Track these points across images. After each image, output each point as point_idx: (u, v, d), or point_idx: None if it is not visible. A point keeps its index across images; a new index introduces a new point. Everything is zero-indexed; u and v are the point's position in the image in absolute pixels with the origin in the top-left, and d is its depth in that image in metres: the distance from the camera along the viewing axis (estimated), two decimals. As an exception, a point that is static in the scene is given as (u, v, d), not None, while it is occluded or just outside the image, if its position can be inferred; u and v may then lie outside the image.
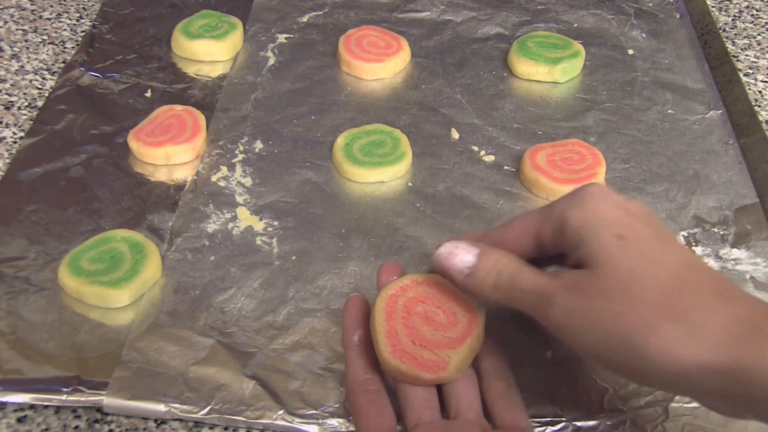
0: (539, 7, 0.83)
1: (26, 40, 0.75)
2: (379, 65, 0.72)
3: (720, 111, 0.71)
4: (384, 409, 0.43)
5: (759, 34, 0.79)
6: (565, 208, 0.41)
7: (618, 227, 0.39)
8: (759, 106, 0.69)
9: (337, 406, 0.47)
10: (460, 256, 0.43)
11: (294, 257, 0.56)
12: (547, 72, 0.73)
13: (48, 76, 0.71)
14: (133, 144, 0.62)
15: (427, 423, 0.42)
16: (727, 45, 0.76)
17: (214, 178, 0.62)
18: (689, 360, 0.35)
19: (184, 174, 0.62)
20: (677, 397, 0.48)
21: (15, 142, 0.64)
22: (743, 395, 0.34)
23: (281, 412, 0.46)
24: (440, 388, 0.44)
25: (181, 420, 0.46)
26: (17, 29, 0.76)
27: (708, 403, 0.38)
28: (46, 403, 0.46)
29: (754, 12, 0.82)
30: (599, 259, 0.38)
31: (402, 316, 0.44)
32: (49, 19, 0.78)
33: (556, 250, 0.42)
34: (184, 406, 0.46)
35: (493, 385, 0.45)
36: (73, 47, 0.74)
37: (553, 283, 0.40)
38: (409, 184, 0.63)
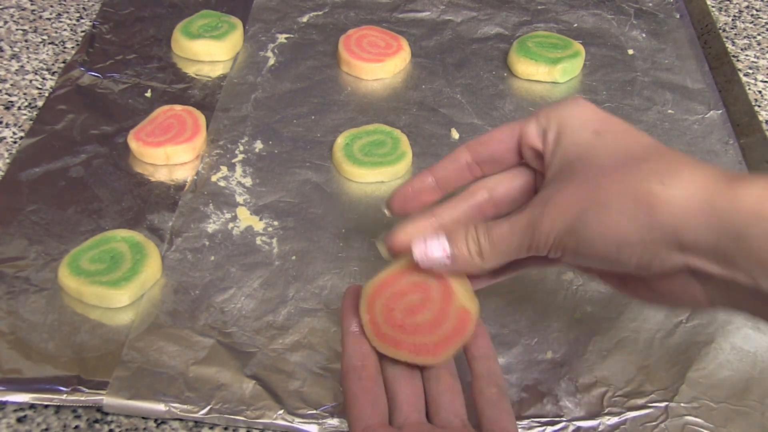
0: (539, 7, 0.83)
1: (26, 40, 0.75)
2: (379, 65, 0.72)
3: (720, 111, 0.71)
4: (377, 399, 0.42)
5: (759, 34, 0.79)
6: (546, 112, 0.42)
7: (595, 124, 0.40)
8: (759, 106, 0.69)
9: (336, 405, 0.47)
10: (433, 250, 0.42)
11: (294, 257, 0.56)
12: (547, 72, 0.73)
13: (48, 76, 0.71)
14: (133, 144, 0.62)
15: (414, 425, 0.42)
16: (727, 45, 0.76)
17: (214, 178, 0.62)
18: (677, 209, 0.34)
19: (184, 174, 0.62)
20: (677, 397, 0.48)
21: (15, 142, 0.64)
22: (731, 246, 0.34)
23: (281, 411, 0.46)
24: (427, 392, 0.44)
25: (181, 420, 0.46)
26: (17, 29, 0.76)
27: (709, 282, 0.36)
28: (46, 403, 0.46)
29: (754, 12, 0.82)
30: (575, 156, 0.39)
31: (386, 303, 0.44)
32: (49, 19, 0.78)
33: (536, 160, 0.43)
34: (184, 406, 0.46)
35: (485, 390, 0.44)
36: (73, 47, 0.74)
37: (528, 210, 0.39)
38: (409, 184, 0.63)
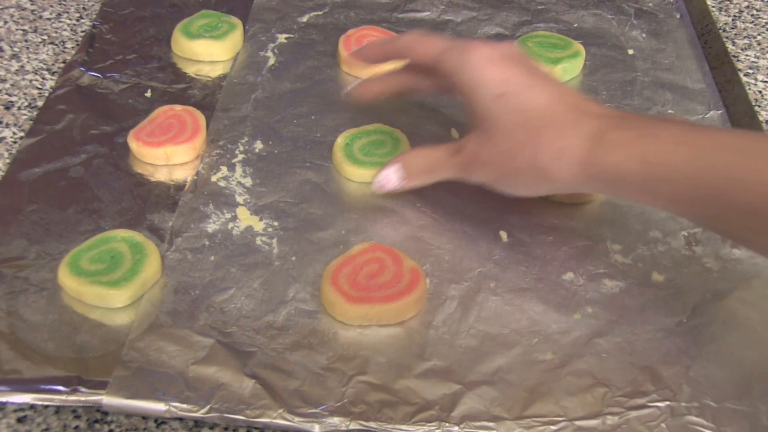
0: (539, 7, 0.83)
1: (26, 40, 0.75)
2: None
3: (720, 111, 0.71)
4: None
5: (759, 34, 0.79)
6: (454, 70, 0.53)
7: (497, 86, 0.50)
8: (759, 106, 0.69)
9: (337, 405, 0.47)
10: (391, 177, 0.57)
11: (294, 258, 0.56)
12: (548, 72, 0.72)
13: (48, 76, 0.71)
14: (133, 144, 0.62)
15: None
16: (727, 45, 0.76)
17: (214, 178, 0.62)
18: (567, 177, 0.49)
19: (184, 174, 0.62)
20: (678, 396, 0.48)
21: (15, 142, 0.64)
22: (614, 192, 0.51)
23: (281, 411, 0.46)
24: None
25: (181, 419, 0.46)
26: (17, 29, 0.76)
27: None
28: (46, 403, 0.46)
29: (754, 12, 0.82)
30: (484, 117, 0.51)
31: (349, 276, 0.53)
32: (49, 19, 0.78)
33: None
34: (184, 405, 0.46)
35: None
36: (73, 47, 0.74)
37: (456, 159, 0.54)
38: (409, 184, 0.63)
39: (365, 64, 0.66)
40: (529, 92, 0.50)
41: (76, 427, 0.46)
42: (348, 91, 0.66)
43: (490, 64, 0.51)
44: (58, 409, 0.47)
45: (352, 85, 0.65)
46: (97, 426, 0.46)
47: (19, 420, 0.46)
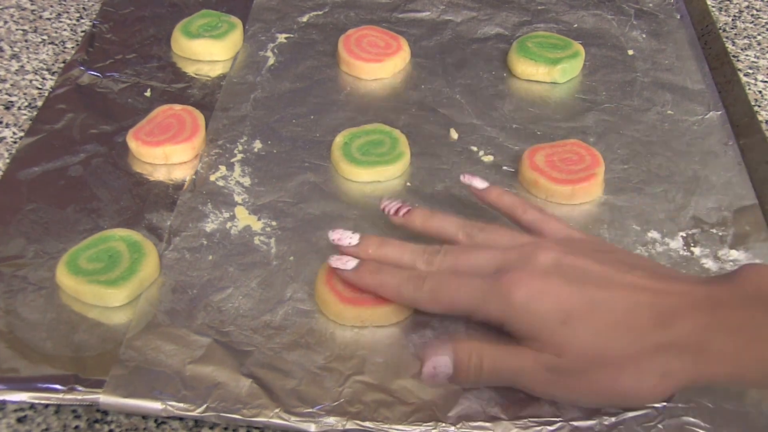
0: (539, 8, 0.83)
1: (26, 40, 0.75)
2: (378, 65, 0.72)
3: (720, 112, 0.71)
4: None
5: (759, 34, 0.79)
6: (500, 316, 0.45)
7: (558, 314, 0.43)
8: (759, 107, 0.69)
9: (333, 405, 0.47)
10: (438, 365, 0.45)
11: (292, 258, 0.56)
12: (547, 72, 0.73)
13: (48, 76, 0.71)
14: (132, 143, 0.62)
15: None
16: (727, 45, 0.76)
17: (212, 178, 0.62)
18: (660, 395, 0.44)
19: (182, 173, 0.62)
20: (675, 397, 0.48)
21: (15, 142, 0.64)
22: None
23: (278, 410, 0.46)
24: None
25: (180, 419, 0.46)
26: (17, 29, 0.76)
27: None
28: (44, 402, 0.46)
29: (754, 12, 0.82)
30: (555, 344, 0.43)
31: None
32: (49, 19, 0.78)
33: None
34: (181, 404, 0.46)
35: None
36: (73, 47, 0.74)
37: (533, 367, 0.44)
38: (408, 184, 0.63)
39: None
40: (595, 315, 0.43)
41: (76, 427, 0.46)
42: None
43: (540, 295, 0.44)
44: (58, 409, 0.47)
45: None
46: (97, 426, 0.46)
47: (19, 420, 0.46)
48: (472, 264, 0.47)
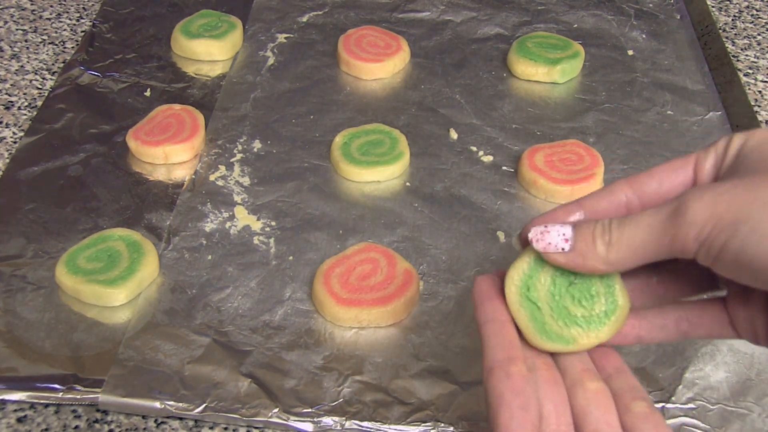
0: (539, 8, 0.83)
1: (26, 40, 0.75)
2: (378, 65, 0.72)
3: (719, 112, 0.71)
4: (529, 402, 0.34)
5: (759, 34, 0.79)
6: (727, 137, 0.34)
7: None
8: (759, 106, 0.69)
9: (332, 405, 0.47)
10: (551, 233, 0.36)
11: (291, 257, 0.56)
12: (547, 72, 0.73)
13: (48, 76, 0.71)
14: (132, 143, 0.62)
15: None
16: (727, 45, 0.76)
17: (212, 178, 0.62)
18: None
19: (182, 173, 0.62)
20: (674, 398, 0.48)
21: (15, 142, 0.64)
22: None
23: (276, 410, 0.46)
24: (574, 405, 0.36)
25: (179, 418, 0.46)
26: (17, 29, 0.76)
27: None
28: (44, 402, 0.46)
29: (754, 12, 0.82)
30: (758, 163, 0.32)
31: (341, 276, 0.52)
32: (49, 19, 0.78)
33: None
34: (180, 404, 0.46)
35: (632, 406, 0.36)
36: (73, 47, 0.74)
37: (675, 199, 0.32)
38: (408, 184, 0.63)
39: None
40: None
41: (76, 427, 0.46)
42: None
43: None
44: (57, 409, 0.47)
45: None
46: (97, 426, 0.46)
47: (19, 420, 0.46)
48: None
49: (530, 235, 0.36)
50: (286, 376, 0.48)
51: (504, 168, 0.64)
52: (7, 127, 0.65)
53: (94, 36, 0.75)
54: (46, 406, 0.47)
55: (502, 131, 0.68)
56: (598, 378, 0.37)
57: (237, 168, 0.63)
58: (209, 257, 0.56)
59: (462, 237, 0.58)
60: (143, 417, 0.47)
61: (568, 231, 0.35)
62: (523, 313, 0.37)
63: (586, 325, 0.37)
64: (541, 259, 0.37)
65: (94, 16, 0.77)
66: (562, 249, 0.35)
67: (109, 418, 0.46)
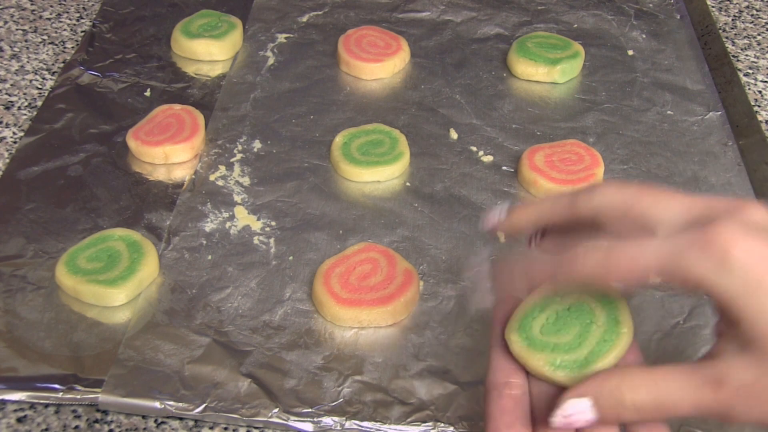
0: (539, 8, 0.83)
1: (26, 40, 0.75)
2: (378, 65, 0.72)
3: (719, 113, 0.71)
4: (514, 422, 0.37)
5: (759, 34, 0.79)
6: (706, 277, 0.33)
7: None
8: (759, 107, 0.69)
9: (332, 405, 0.47)
10: (573, 411, 0.36)
11: (291, 257, 0.56)
12: (547, 72, 0.73)
13: (48, 76, 0.71)
14: (132, 143, 0.62)
15: None
16: (726, 45, 0.76)
17: (212, 178, 0.62)
18: None
19: (182, 173, 0.62)
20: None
21: (15, 142, 0.64)
22: None
23: (276, 410, 0.46)
24: None
25: (179, 418, 0.46)
26: (17, 29, 0.76)
27: None
28: (43, 402, 0.46)
29: (754, 12, 0.82)
30: (762, 334, 0.33)
31: (341, 276, 0.52)
32: (49, 19, 0.78)
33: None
34: (180, 404, 0.46)
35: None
36: (73, 47, 0.74)
37: (719, 397, 0.34)
38: (408, 184, 0.63)
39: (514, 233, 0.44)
40: None
41: (76, 427, 0.46)
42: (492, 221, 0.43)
43: (753, 251, 0.33)
44: (57, 409, 0.47)
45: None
46: (97, 426, 0.46)
47: (19, 420, 0.46)
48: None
49: (555, 423, 0.36)
50: (286, 376, 0.48)
51: (504, 168, 0.64)
52: (7, 127, 0.65)
53: (94, 36, 0.75)
54: (46, 406, 0.47)
55: (502, 131, 0.68)
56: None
57: (237, 168, 0.63)
58: (209, 257, 0.56)
59: (462, 237, 0.58)
60: (143, 417, 0.47)
61: (588, 408, 0.36)
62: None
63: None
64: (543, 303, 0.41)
65: (94, 16, 0.78)
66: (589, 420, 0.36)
67: (109, 418, 0.46)
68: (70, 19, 0.78)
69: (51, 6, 0.79)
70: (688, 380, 0.35)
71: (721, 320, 0.36)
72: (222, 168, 0.63)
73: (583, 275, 0.37)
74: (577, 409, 0.36)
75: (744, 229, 0.34)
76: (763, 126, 0.67)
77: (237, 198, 0.61)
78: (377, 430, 0.46)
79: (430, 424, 0.46)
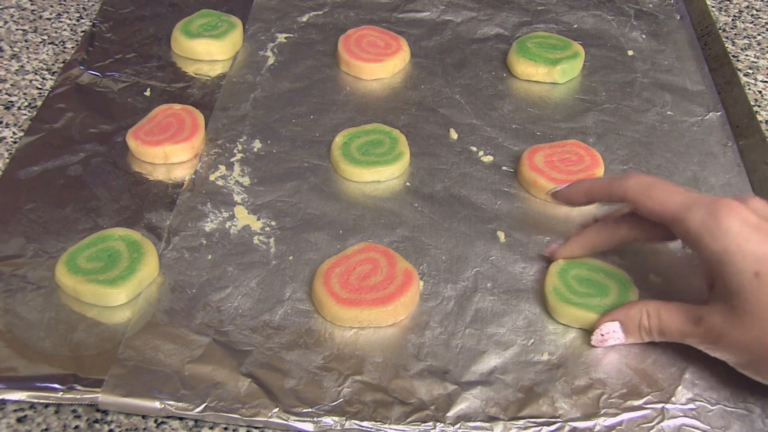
0: (539, 8, 0.83)
1: (26, 40, 0.75)
2: (378, 65, 0.72)
3: (719, 113, 0.71)
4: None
5: (759, 34, 0.79)
6: (700, 233, 0.45)
7: (755, 263, 0.43)
8: (759, 107, 0.69)
9: (332, 405, 0.47)
10: (606, 331, 0.50)
11: (291, 257, 0.56)
12: (547, 73, 0.73)
13: (48, 76, 0.71)
14: (132, 143, 0.62)
15: None
16: (726, 45, 0.76)
17: (212, 177, 0.62)
18: None
19: (182, 173, 0.62)
20: (673, 398, 0.48)
21: (15, 142, 0.64)
22: None
23: (276, 410, 0.46)
24: None
25: (179, 418, 0.46)
26: (17, 29, 0.76)
27: None
28: (43, 402, 0.46)
29: (754, 12, 0.82)
30: (734, 292, 0.44)
31: (341, 276, 0.52)
32: (49, 19, 0.78)
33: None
34: (180, 404, 0.46)
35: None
36: (72, 47, 0.74)
37: (697, 330, 0.47)
38: (408, 184, 0.63)
39: (567, 205, 0.57)
40: None
41: (76, 427, 0.46)
42: (552, 248, 0.56)
43: (748, 232, 0.44)
44: (57, 409, 0.47)
45: (556, 244, 0.56)
46: (97, 426, 0.46)
47: (19, 420, 0.46)
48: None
49: (595, 338, 0.51)
50: (286, 376, 0.48)
51: (504, 168, 0.64)
52: (7, 127, 0.65)
53: (94, 36, 0.75)
54: (46, 406, 0.47)
55: (502, 131, 0.68)
56: None
57: (237, 168, 0.63)
58: (209, 257, 0.56)
59: (462, 237, 0.58)
60: (143, 417, 0.47)
61: (620, 335, 0.50)
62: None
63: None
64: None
65: (94, 16, 0.77)
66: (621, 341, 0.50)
67: (109, 418, 0.46)
68: (70, 19, 0.78)
69: (51, 6, 0.79)
70: (681, 315, 0.48)
71: (706, 274, 0.48)
72: (222, 168, 0.63)
73: (628, 193, 0.49)
74: (610, 329, 0.50)
75: (746, 209, 0.44)
76: (763, 126, 0.67)
77: (237, 198, 0.61)
78: (377, 430, 0.46)
79: (430, 424, 0.46)
